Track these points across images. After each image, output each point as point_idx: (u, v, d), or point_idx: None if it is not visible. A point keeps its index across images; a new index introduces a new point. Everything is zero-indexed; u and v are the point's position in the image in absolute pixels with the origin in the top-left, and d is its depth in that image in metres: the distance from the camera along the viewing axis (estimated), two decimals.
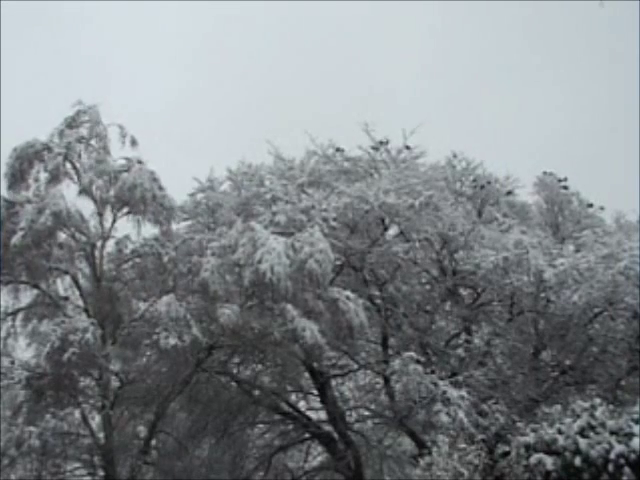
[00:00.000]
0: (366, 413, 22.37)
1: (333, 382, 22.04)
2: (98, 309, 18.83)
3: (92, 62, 40.08)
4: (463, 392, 18.16)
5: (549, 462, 13.41)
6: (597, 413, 13.77)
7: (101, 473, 19.10)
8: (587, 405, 14.10)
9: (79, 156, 19.49)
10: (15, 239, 18.04)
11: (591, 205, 24.27)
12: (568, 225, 24.01)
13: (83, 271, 19.69)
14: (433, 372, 18.77)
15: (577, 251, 20.32)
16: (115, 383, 19.19)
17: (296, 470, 23.19)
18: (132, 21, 43.02)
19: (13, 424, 18.26)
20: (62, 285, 19.69)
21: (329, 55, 42.28)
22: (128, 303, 18.99)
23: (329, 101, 39.55)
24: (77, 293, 19.46)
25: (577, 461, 13.18)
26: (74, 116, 19.75)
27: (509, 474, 14.33)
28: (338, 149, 22.77)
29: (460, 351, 20.60)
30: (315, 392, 21.84)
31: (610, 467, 12.98)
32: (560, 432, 13.66)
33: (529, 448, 13.91)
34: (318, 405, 21.99)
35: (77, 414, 19.08)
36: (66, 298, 19.52)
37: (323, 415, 21.87)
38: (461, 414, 17.57)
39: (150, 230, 19.69)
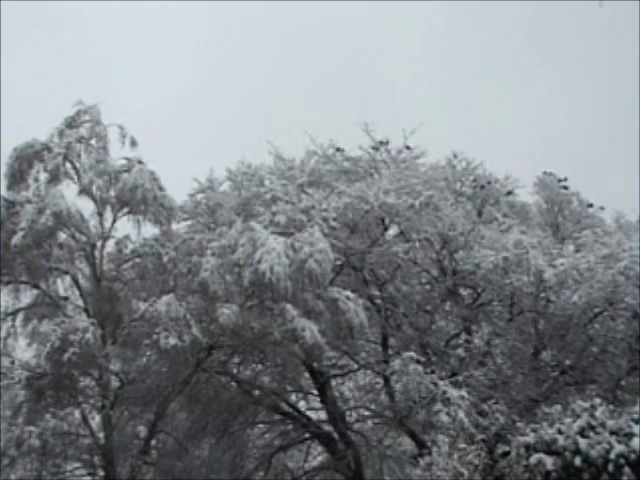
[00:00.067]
0: (366, 413, 22.36)
1: (333, 382, 22.03)
2: (98, 309, 18.84)
3: (92, 62, 40.11)
4: (463, 392, 18.16)
5: (549, 462, 13.40)
6: (597, 413, 13.77)
7: (101, 473, 19.09)
8: (587, 405, 14.09)
9: (79, 156, 19.51)
10: (15, 239, 18.05)
11: (591, 205, 24.27)
12: (568, 225, 24.00)
13: (83, 271, 19.70)
14: (433, 372, 18.76)
15: (577, 251, 20.30)
16: (115, 383, 19.20)
17: (296, 470, 23.18)
18: (132, 21, 43.07)
19: (13, 424, 18.27)
20: (62, 285, 19.73)
21: (330, 55, 42.32)
22: (128, 303, 18.97)
23: (329, 101, 39.57)
24: (77, 293, 19.48)
25: (577, 461, 13.18)
26: (74, 116, 19.77)
27: (509, 474, 14.32)
28: (338, 149, 22.76)
29: (460, 351, 20.59)
30: (315, 392, 21.83)
31: (610, 467, 12.97)
32: (560, 432, 13.65)
33: (529, 448, 13.89)
34: (318, 405, 21.98)
35: (77, 414, 19.05)
36: (66, 298, 19.53)
37: (323, 415, 21.86)
38: (461, 414, 17.56)
39: (150, 230, 19.76)
